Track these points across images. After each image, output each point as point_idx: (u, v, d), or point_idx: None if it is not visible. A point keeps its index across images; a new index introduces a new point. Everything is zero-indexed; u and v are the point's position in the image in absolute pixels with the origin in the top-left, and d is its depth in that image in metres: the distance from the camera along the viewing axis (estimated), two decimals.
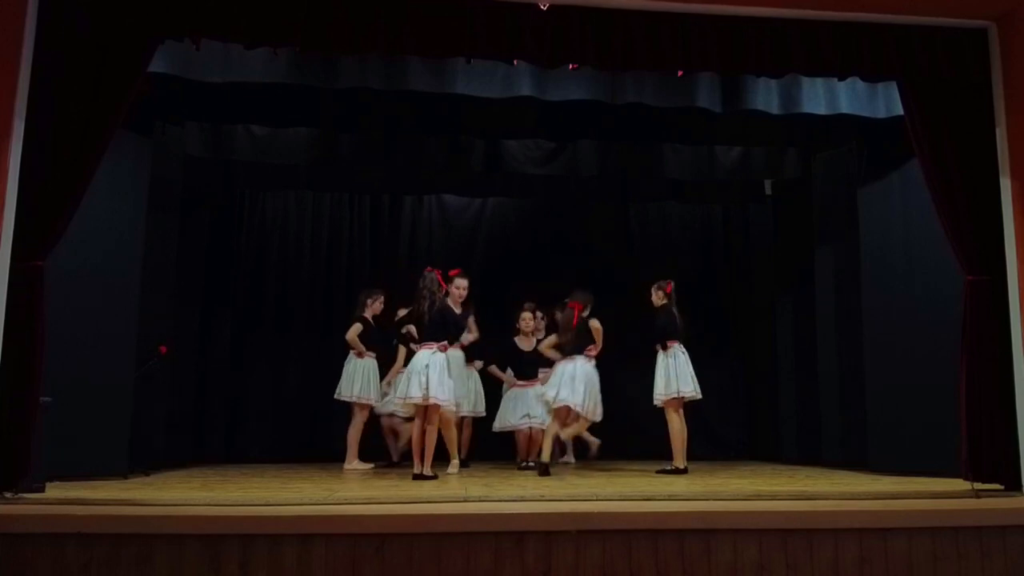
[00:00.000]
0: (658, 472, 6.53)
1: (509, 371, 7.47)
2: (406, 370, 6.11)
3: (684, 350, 6.65)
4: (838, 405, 7.34)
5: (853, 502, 4.36)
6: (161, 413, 6.69)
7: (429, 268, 6.39)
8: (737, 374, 9.05)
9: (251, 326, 8.53)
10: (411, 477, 5.89)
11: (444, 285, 6.27)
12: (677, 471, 6.46)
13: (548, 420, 6.70)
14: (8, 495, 4.17)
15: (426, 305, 6.15)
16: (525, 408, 7.21)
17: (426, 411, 5.94)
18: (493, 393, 7.55)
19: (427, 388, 5.82)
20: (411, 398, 5.90)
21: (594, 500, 4.34)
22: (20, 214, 4.29)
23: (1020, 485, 4.77)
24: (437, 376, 5.87)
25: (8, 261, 4.25)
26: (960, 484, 4.86)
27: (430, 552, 3.80)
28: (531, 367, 7.34)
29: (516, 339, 7.45)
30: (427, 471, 5.90)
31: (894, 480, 5.66)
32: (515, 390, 7.37)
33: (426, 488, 5.16)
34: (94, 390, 5.54)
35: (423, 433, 5.94)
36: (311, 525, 3.82)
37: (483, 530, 3.86)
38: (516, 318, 7.41)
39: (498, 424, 7.36)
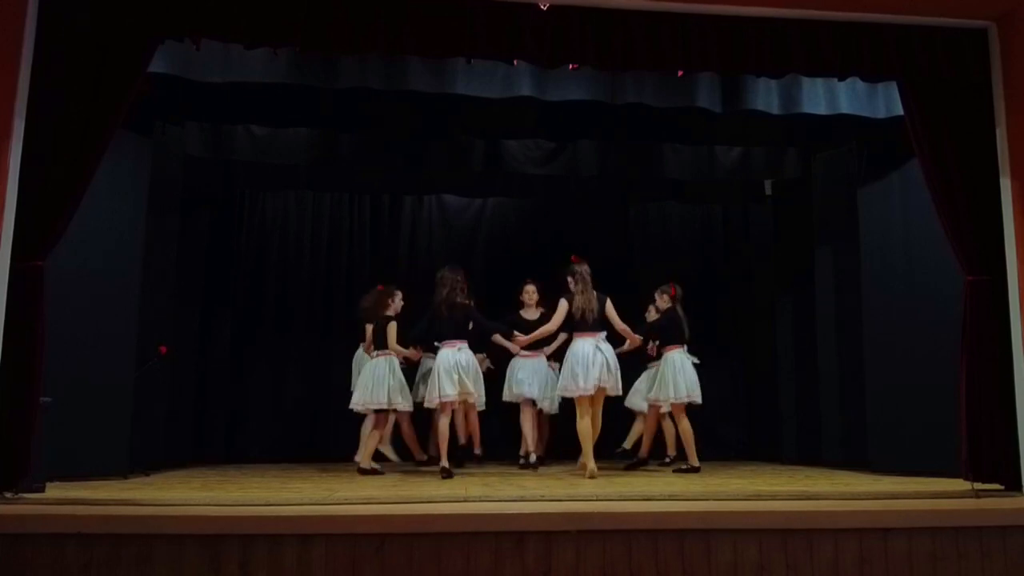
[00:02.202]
0: (675, 471, 6.56)
1: None
2: (434, 369, 6.22)
3: (683, 353, 6.63)
4: (838, 405, 7.33)
5: (853, 502, 4.35)
6: (161, 413, 6.69)
7: (452, 269, 6.44)
8: (737, 374, 9.03)
9: (251, 326, 8.52)
10: (440, 472, 6.02)
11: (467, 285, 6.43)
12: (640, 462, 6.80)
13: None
14: (8, 495, 4.17)
15: (446, 304, 6.23)
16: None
17: (453, 407, 6.23)
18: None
19: (462, 385, 6.11)
20: (446, 396, 6.08)
21: (594, 500, 4.34)
22: (20, 214, 4.29)
23: (1020, 485, 4.77)
24: (472, 374, 6.19)
25: (8, 261, 4.25)
26: (960, 484, 4.86)
27: (430, 552, 3.80)
28: None
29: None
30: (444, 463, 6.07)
31: (894, 480, 5.66)
32: None
33: (426, 488, 5.16)
34: (94, 390, 5.55)
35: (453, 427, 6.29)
36: (311, 525, 3.82)
37: (483, 530, 3.86)
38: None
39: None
